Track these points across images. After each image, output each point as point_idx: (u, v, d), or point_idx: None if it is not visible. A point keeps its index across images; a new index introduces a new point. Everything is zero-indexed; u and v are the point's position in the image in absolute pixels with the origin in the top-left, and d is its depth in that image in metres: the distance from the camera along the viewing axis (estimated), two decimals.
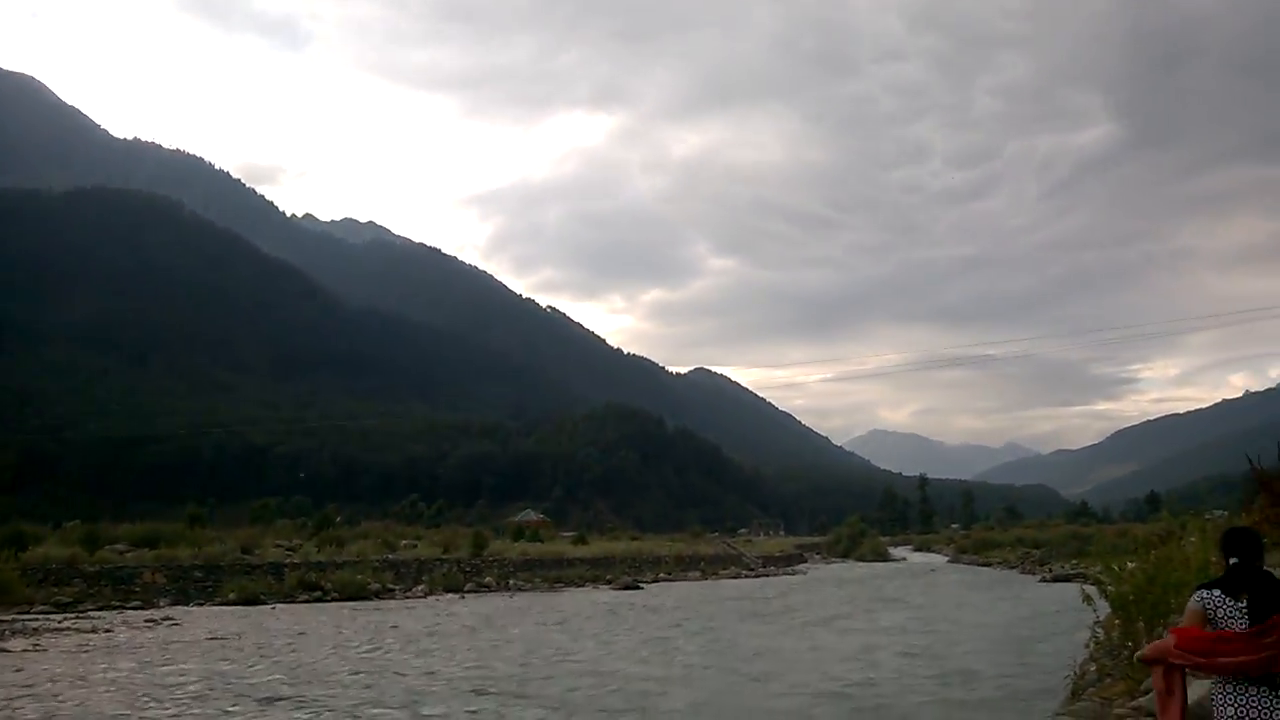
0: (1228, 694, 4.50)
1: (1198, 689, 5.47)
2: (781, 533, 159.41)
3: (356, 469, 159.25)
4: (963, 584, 54.12)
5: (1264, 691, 4.45)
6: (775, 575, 70.55)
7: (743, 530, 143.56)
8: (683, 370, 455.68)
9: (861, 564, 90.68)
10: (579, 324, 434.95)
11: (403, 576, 49.09)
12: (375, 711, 15.25)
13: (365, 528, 69.04)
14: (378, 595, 43.70)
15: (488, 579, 52.14)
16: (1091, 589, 9.75)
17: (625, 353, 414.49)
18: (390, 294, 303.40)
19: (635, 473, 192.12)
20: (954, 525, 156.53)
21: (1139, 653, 4.82)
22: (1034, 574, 59.93)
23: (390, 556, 53.52)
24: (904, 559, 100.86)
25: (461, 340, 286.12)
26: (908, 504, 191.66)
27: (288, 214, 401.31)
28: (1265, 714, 4.41)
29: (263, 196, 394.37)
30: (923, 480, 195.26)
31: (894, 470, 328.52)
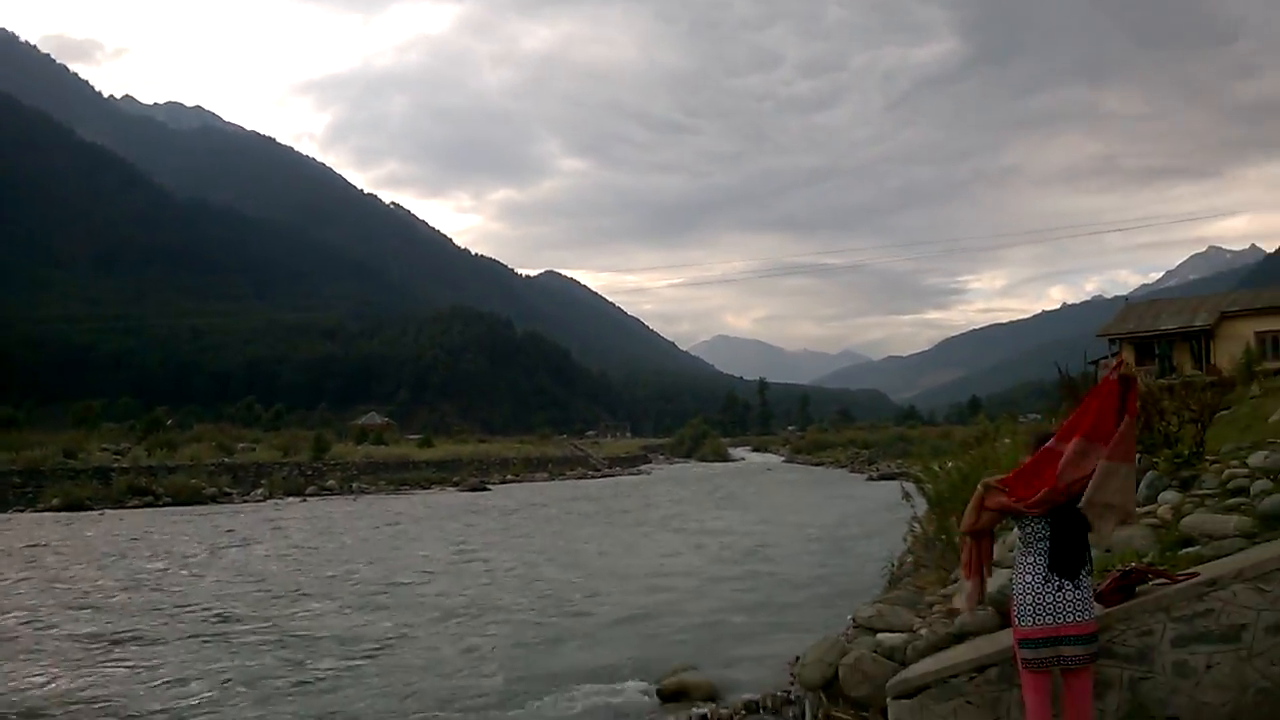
0: (1026, 584, 4.87)
1: (1000, 578, 5.92)
2: (628, 435, 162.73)
3: (189, 370, 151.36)
4: (796, 483, 56.86)
5: (1062, 583, 4.79)
6: (621, 475, 72.21)
7: (590, 432, 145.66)
8: (532, 273, 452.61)
9: (703, 464, 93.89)
10: (425, 222, 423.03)
11: (240, 480, 47.77)
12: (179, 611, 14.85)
13: (199, 431, 66.00)
14: (214, 500, 42.35)
15: (330, 482, 51.17)
16: (911, 487, 10.38)
17: (473, 253, 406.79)
18: (222, 185, 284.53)
19: (483, 376, 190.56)
20: (791, 427, 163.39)
21: (963, 525, 5.18)
22: (862, 473, 63.62)
23: (227, 460, 51.66)
24: (743, 459, 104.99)
25: (300, 237, 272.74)
26: (748, 407, 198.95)
27: (105, 94, 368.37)
28: (1061, 603, 4.75)
29: (77, 75, 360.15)
30: (763, 385, 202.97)
31: (737, 375, 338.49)
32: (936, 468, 10.39)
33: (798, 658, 7.13)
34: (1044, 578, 4.79)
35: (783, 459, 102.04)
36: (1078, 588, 4.78)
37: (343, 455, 60.01)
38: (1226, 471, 7.03)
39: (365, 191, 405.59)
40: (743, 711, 8.57)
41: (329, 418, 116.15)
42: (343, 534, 28.83)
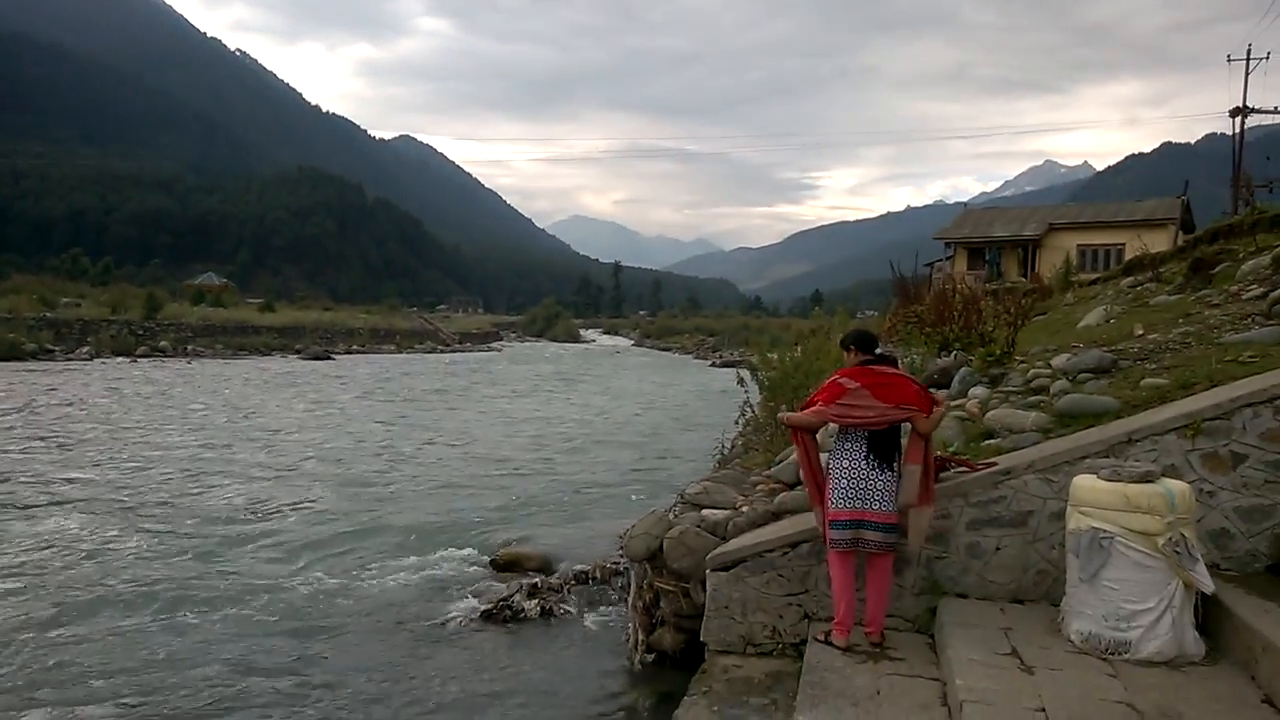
0: (843, 469, 5.16)
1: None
2: (480, 310, 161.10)
3: (5, 216, 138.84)
4: (642, 366, 57.89)
5: (873, 471, 5.13)
6: (470, 351, 71.71)
7: (441, 306, 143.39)
8: (387, 136, 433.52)
9: (554, 344, 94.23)
10: (274, 74, 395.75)
11: (64, 338, 45.08)
12: None
13: (18, 281, 61.25)
14: (34, 356, 39.82)
15: (163, 343, 48.71)
16: (747, 374, 10.70)
17: (325, 111, 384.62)
18: (45, 16, 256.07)
19: (331, 241, 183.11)
20: (642, 312, 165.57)
21: (782, 415, 5.43)
22: (707, 360, 65.37)
23: (49, 315, 48.29)
24: (594, 341, 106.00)
25: (135, 80, 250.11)
26: (602, 289, 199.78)
27: None
28: (869, 490, 5.10)
29: None
30: (617, 267, 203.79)
31: (592, 256, 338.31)
32: (771, 356, 10.72)
33: (627, 531, 7.35)
34: (859, 464, 5.13)
35: (632, 343, 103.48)
36: (886, 479, 5.15)
37: (177, 316, 57.01)
38: (1031, 371, 7.54)
39: (209, 35, 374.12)
40: (572, 581, 8.83)
41: (162, 276, 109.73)
42: (174, 395, 27.59)
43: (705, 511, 7.02)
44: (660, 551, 6.73)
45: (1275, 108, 35.70)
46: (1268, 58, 36.63)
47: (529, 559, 9.62)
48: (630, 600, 7.30)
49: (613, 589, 8.62)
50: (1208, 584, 4.54)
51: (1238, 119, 34.96)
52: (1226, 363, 6.28)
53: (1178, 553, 4.51)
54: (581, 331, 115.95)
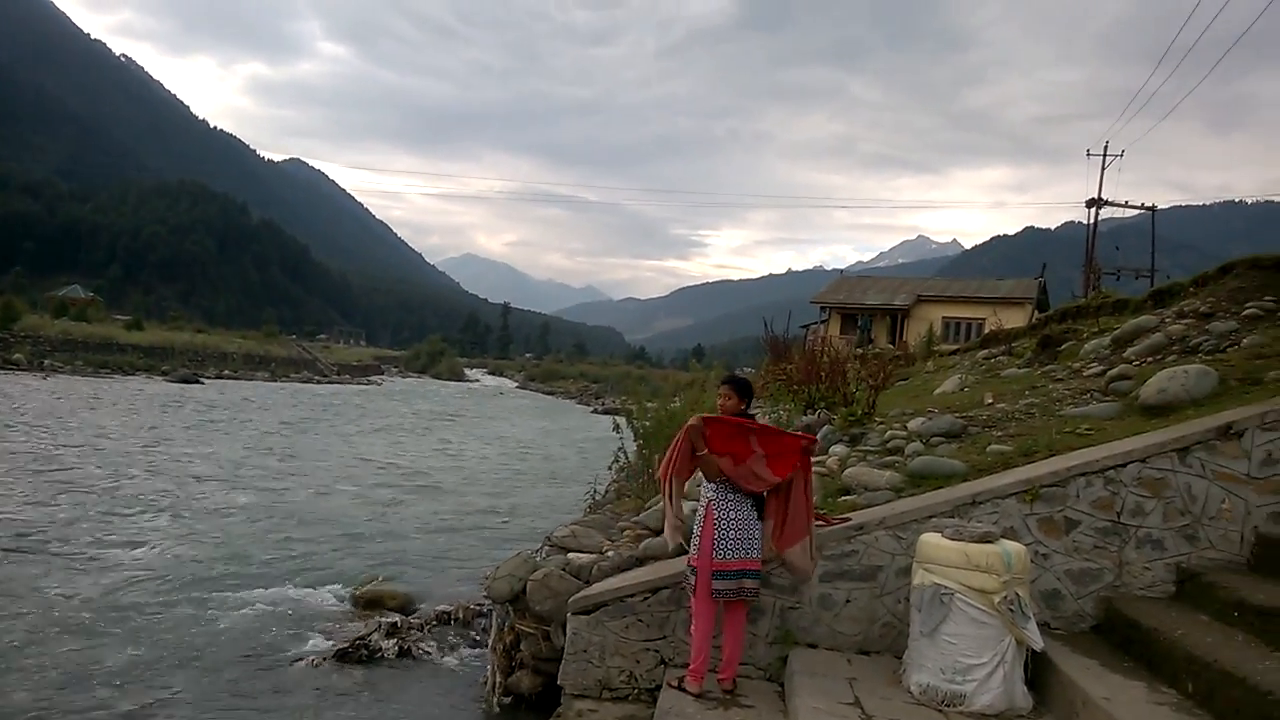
0: (731, 520, 5.25)
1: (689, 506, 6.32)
2: (363, 343, 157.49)
3: None
4: (524, 408, 57.54)
5: (757, 522, 5.32)
6: (349, 384, 69.86)
7: (322, 335, 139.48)
8: (277, 158, 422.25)
9: (437, 381, 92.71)
10: (160, 83, 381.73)
11: None
12: None
13: None
14: None
15: (17, 356, 46.00)
16: (623, 420, 10.82)
17: (213, 126, 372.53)
18: None
19: (210, 261, 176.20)
20: (529, 354, 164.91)
21: (659, 472, 5.49)
22: (589, 405, 65.52)
23: None
24: (478, 381, 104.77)
25: (5, 74, 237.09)
26: (489, 329, 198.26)
27: None
28: (753, 541, 5.26)
29: None
30: (506, 309, 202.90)
31: (481, 296, 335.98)
32: (648, 405, 10.87)
33: (492, 572, 7.30)
34: (749, 517, 5.28)
35: (516, 385, 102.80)
36: (761, 528, 5.35)
37: (36, 328, 53.89)
38: (889, 432, 7.89)
39: (92, 37, 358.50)
40: (434, 622, 8.68)
41: (24, 285, 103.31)
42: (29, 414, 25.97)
43: (571, 555, 7.04)
44: (523, 593, 6.71)
45: (1126, 202, 38.57)
46: (1121, 155, 39.76)
47: (390, 597, 9.41)
48: (491, 642, 7.23)
49: (475, 631, 8.52)
50: (1037, 641, 4.81)
51: (1092, 209, 37.62)
52: (1065, 434, 6.71)
53: (1012, 611, 4.76)
54: (466, 370, 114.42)
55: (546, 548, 7.59)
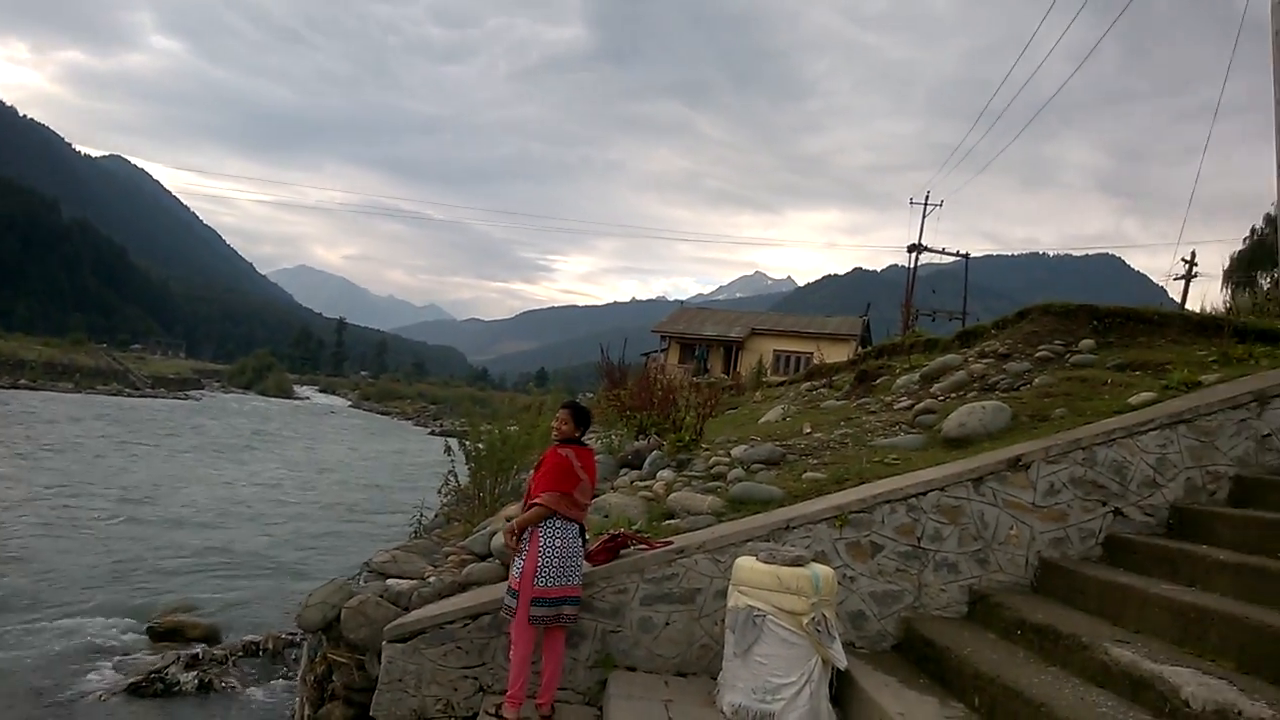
0: (557, 549, 5.26)
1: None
2: (182, 355, 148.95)
3: None
4: (357, 428, 55.75)
5: (579, 550, 5.38)
6: (164, 398, 65.74)
7: (136, 345, 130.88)
8: (95, 153, 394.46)
9: (263, 398, 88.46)
10: None
11: None
12: None
13: None
14: None
15: None
16: (454, 443, 10.64)
17: (22, 115, 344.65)
18: None
19: (13, 260, 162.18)
20: (364, 372, 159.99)
21: (512, 523, 5.42)
22: (427, 426, 64.12)
23: None
24: (308, 398, 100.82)
25: None
26: (323, 345, 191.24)
27: None
28: (575, 568, 5.31)
29: None
30: (341, 324, 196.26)
31: (316, 310, 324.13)
32: (483, 428, 10.75)
33: (305, 600, 7.00)
34: (573, 544, 5.31)
35: (350, 404, 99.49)
36: (582, 553, 5.43)
37: None
38: (714, 458, 8.10)
39: None
40: (240, 653, 8.25)
41: None
42: None
43: (391, 581, 6.84)
44: (337, 621, 6.47)
45: (943, 249, 41.40)
46: (941, 205, 42.73)
47: (192, 627, 8.89)
48: (300, 673, 6.93)
49: (285, 662, 8.15)
50: (842, 661, 5.02)
51: (913, 254, 40.14)
52: (875, 463, 7.08)
53: (819, 631, 4.96)
54: (296, 388, 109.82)
55: (365, 574, 7.36)
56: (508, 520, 5.58)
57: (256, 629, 8.82)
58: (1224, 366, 7.61)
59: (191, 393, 77.88)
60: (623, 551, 5.89)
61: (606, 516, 6.76)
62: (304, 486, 22.98)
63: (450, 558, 7.45)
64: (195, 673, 7.68)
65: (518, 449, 9.95)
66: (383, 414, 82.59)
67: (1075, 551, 6.06)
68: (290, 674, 7.77)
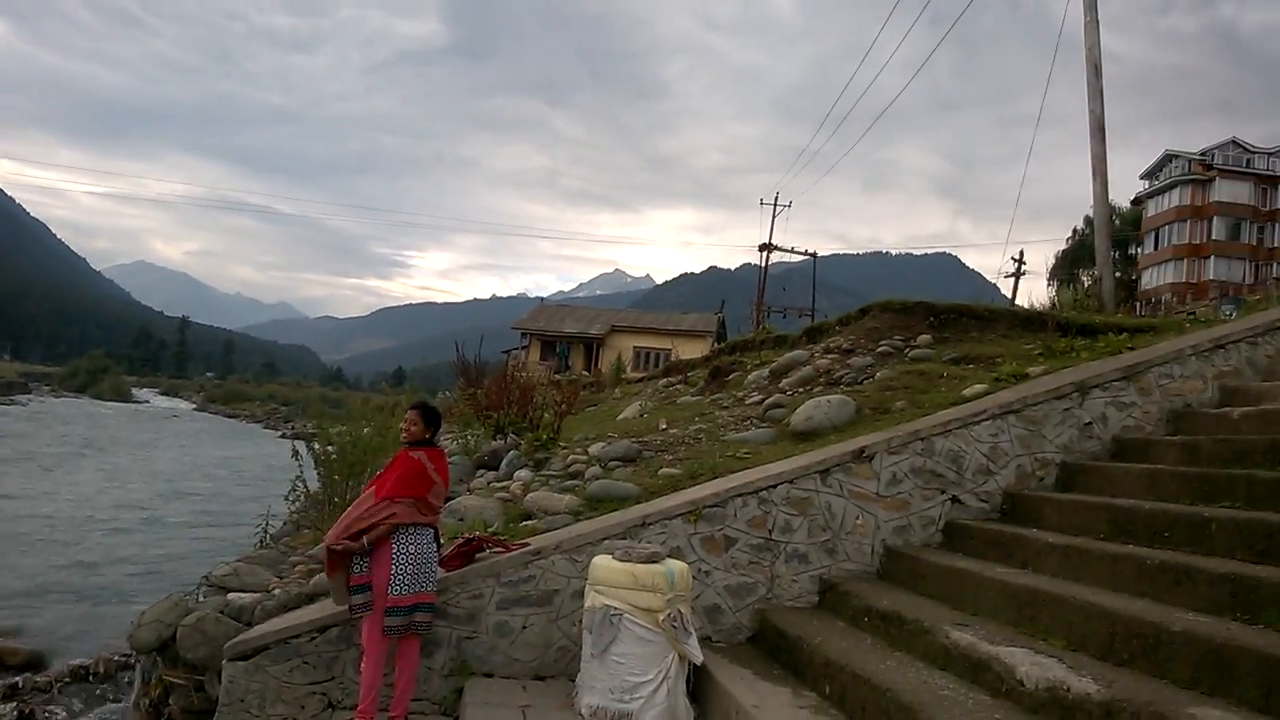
0: (410, 555, 5.11)
1: None
2: (7, 357, 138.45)
3: None
4: (202, 432, 53.07)
5: (434, 556, 5.28)
6: None
7: None
8: None
9: (99, 402, 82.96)
10: None
11: None
12: None
13: None
14: None
15: None
16: (303, 446, 10.23)
17: None
18: None
19: None
20: (210, 374, 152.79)
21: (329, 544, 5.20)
22: (278, 429, 61.58)
23: None
24: (148, 402, 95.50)
25: None
26: (164, 345, 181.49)
27: None
28: (429, 575, 5.19)
29: None
30: (184, 323, 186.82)
31: (157, 308, 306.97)
32: (333, 430, 10.39)
33: (137, 619, 6.58)
34: (427, 549, 5.19)
35: (194, 407, 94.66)
36: (436, 558, 5.31)
37: None
38: (571, 456, 8.09)
39: None
40: (67, 679, 7.70)
41: None
42: None
43: (232, 595, 6.53)
44: (173, 641, 6.13)
45: (793, 248, 42.86)
46: (790, 205, 44.24)
47: (12, 654, 8.24)
48: (134, 698, 6.52)
49: (118, 686, 7.65)
50: (697, 656, 5.07)
51: (764, 253, 41.34)
52: (727, 457, 7.20)
53: (675, 627, 4.99)
54: (135, 391, 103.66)
55: (204, 589, 6.99)
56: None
57: (85, 653, 8.23)
58: (1049, 359, 8.10)
59: (17, 398, 72.22)
60: (478, 555, 5.78)
61: (462, 520, 6.63)
62: (139, 497, 21.65)
63: (297, 568, 7.18)
64: (14, 704, 7.11)
65: (371, 451, 9.65)
66: (230, 417, 78.88)
67: (917, 539, 6.34)
68: (123, 699, 7.29)
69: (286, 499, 10.25)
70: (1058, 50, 14.07)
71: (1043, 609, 4.62)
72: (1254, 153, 63.70)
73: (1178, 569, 4.37)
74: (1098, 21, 12.51)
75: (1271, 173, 59.65)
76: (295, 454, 9.99)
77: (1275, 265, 53.27)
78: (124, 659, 7.87)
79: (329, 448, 9.98)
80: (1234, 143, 64.99)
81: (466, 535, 5.95)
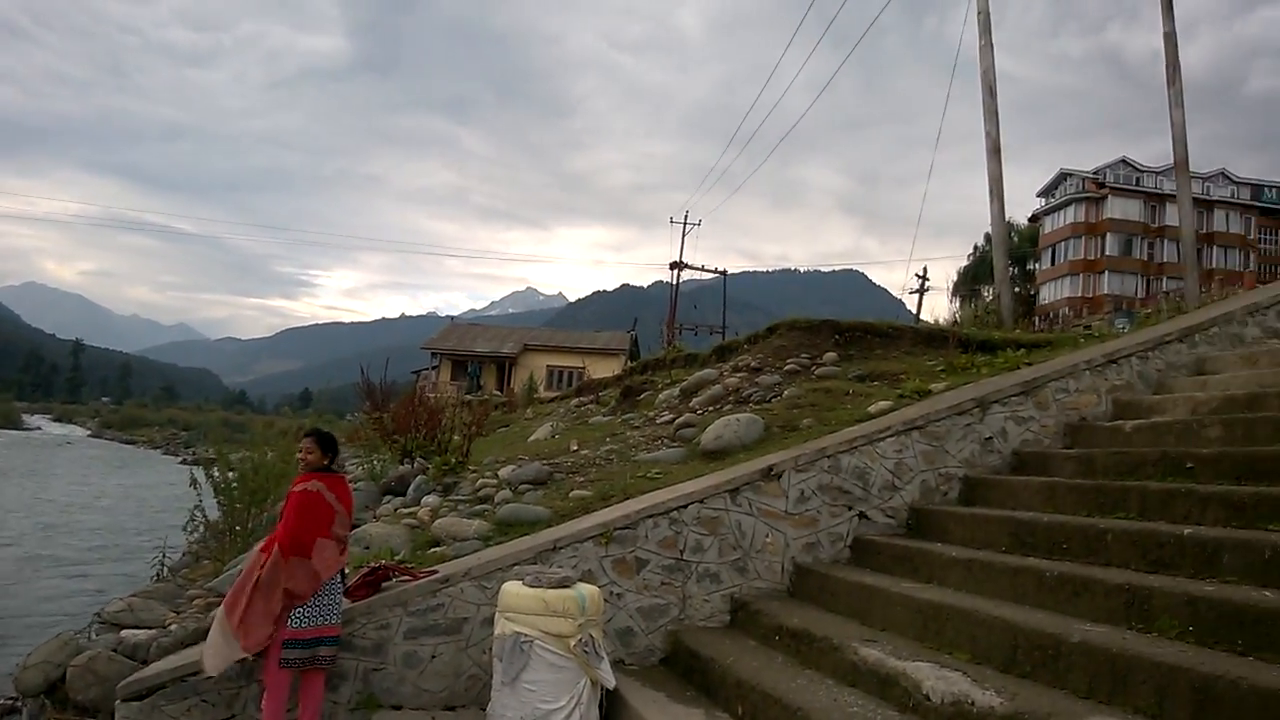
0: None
1: None
2: None
3: None
4: (97, 460, 50.85)
5: (337, 586, 5.12)
6: None
7: None
8: None
9: None
10: None
11: None
12: None
13: None
14: None
15: None
16: (201, 474, 9.88)
17: None
18: None
19: None
20: (106, 399, 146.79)
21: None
22: (177, 455, 59.36)
23: None
24: (39, 429, 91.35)
25: None
26: (57, 370, 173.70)
27: None
28: (331, 606, 5.04)
29: None
30: (78, 346, 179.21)
31: (49, 331, 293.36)
32: (234, 457, 10.06)
33: (23, 660, 6.23)
34: (330, 583, 5.02)
35: (89, 433, 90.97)
36: (342, 590, 5.16)
37: None
38: (481, 480, 7.97)
39: None
40: None
41: None
42: None
43: (126, 632, 6.24)
44: (63, 682, 5.81)
45: (703, 266, 43.34)
46: (700, 223, 45.16)
47: None
48: None
49: None
50: (610, 681, 5.03)
51: (675, 271, 41.76)
52: (639, 478, 7.19)
53: (586, 652, 4.94)
54: (25, 417, 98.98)
55: (96, 626, 6.66)
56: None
57: None
58: (950, 375, 8.33)
59: None
60: (384, 584, 5.63)
61: (367, 548, 6.47)
62: (23, 532, 20.57)
63: (195, 601, 6.91)
64: None
65: (274, 477, 9.39)
66: (127, 443, 75.85)
67: (826, 555, 6.41)
68: None
69: (185, 529, 9.87)
70: (956, 72, 14.59)
71: (947, 623, 4.71)
72: (1143, 171, 67.20)
73: (1076, 580, 4.50)
74: (992, 45, 13.00)
75: (1159, 191, 62.88)
76: (194, 482, 9.64)
77: (1165, 279, 56.04)
78: (9, 703, 7.42)
79: (229, 474, 9.66)
80: (1124, 162, 68.47)
81: (372, 564, 5.79)
